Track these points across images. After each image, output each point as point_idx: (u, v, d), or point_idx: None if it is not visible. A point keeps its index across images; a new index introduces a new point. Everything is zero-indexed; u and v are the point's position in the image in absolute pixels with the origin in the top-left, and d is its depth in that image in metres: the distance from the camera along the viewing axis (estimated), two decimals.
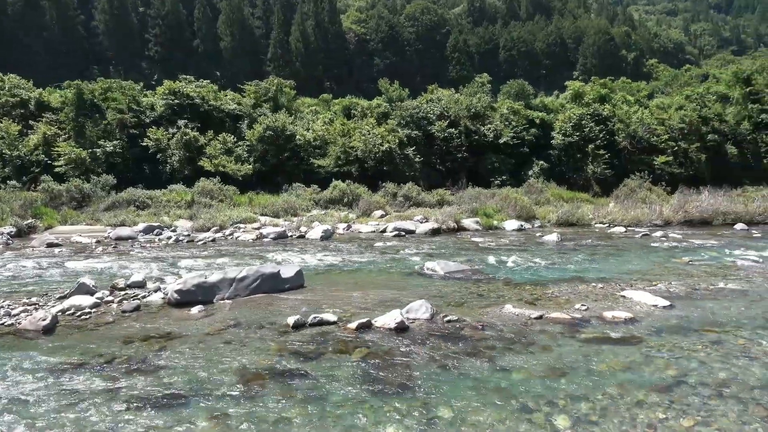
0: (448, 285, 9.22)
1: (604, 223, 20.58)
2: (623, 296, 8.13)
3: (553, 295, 8.27)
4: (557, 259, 11.97)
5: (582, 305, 7.48)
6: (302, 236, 16.98)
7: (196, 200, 22.41)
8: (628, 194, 25.62)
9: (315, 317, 6.72)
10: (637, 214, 20.56)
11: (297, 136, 30.42)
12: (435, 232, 17.67)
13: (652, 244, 14.61)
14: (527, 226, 19.91)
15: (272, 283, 8.58)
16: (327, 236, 16.59)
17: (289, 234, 17.22)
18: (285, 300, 8.09)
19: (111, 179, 24.29)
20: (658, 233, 17.13)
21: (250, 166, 28.89)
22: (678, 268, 10.75)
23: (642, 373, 5.25)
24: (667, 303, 7.61)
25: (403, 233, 17.39)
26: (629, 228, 19.13)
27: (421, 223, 19.15)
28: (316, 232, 16.85)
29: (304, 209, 22.86)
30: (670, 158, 29.98)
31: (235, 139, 30.02)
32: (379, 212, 21.85)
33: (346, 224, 19.02)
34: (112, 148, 27.75)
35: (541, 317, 6.97)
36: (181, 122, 30.46)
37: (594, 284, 9.05)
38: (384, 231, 18.00)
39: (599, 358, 5.58)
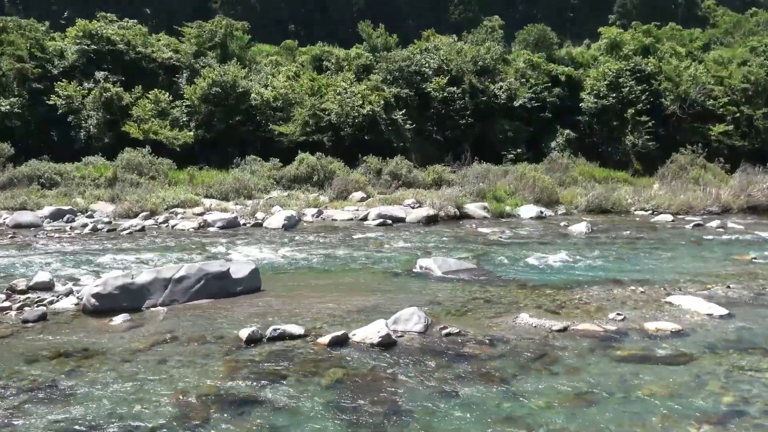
0: (448, 288, 9.27)
1: (646, 210, 20.88)
2: (669, 303, 8.25)
3: (581, 302, 8.36)
4: (587, 256, 12.09)
5: (618, 314, 7.57)
6: (259, 224, 16.94)
7: (119, 177, 22.17)
8: (677, 173, 25.98)
9: (276, 329, 6.71)
10: (688, 199, 20.90)
11: (252, 95, 30.22)
12: (431, 220, 17.76)
13: (707, 237, 14.86)
14: (548, 213, 20.09)
15: (220, 285, 8.57)
16: (291, 225, 16.57)
17: (242, 222, 17.16)
18: (236, 307, 8.06)
19: (7, 148, 23.90)
20: (714, 223, 17.44)
21: (191, 133, 28.67)
22: (739, 268, 10.95)
23: (692, 400, 5.33)
24: (724, 311, 7.74)
25: (390, 221, 17.46)
26: (678, 216, 19.43)
27: (413, 208, 19.22)
28: (277, 219, 16.82)
29: (262, 190, 22.80)
30: (730, 127, 30.40)
31: (170, 98, 29.80)
32: (358, 194, 21.88)
33: (315, 209, 19.02)
34: (8, 107, 27.23)
35: (565, 329, 7.05)
36: (99, 75, 29.99)
37: (633, 287, 9.17)
38: (365, 218, 18.04)
39: (639, 382, 5.66)
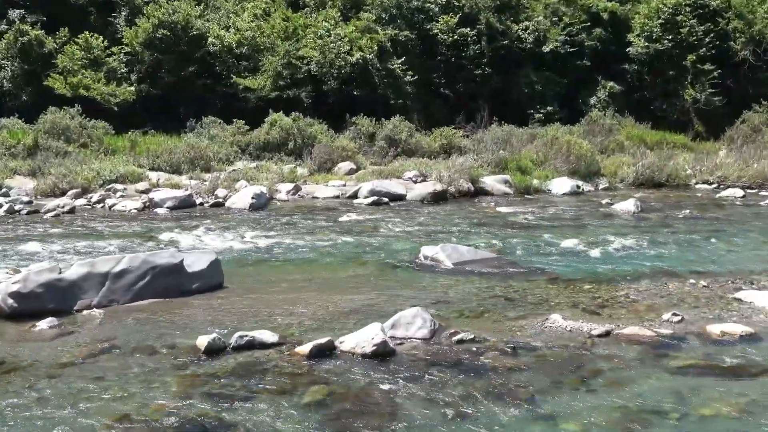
0: (459, 283, 9.33)
1: (709, 183, 20.93)
2: (739, 300, 8.28)
3: (627, 299, 8.40)
4: (635, 241, 12.13)
5: (674, 314, 7.59)
6: (220, 204, 16.95)
7: (42, 145, 22.07)
8: (750, 136, 25.99)
9: (242, 336, 6.70)
10: (764, 169, 20.91)
11: (210, 39, 30.08)
12: (438, 197, 17.80)
13: None
14: (587, 187, 20.13)
15: (171, 282, 8.58)
16: (261, 204, 16.58)
17: (199, 201, 17.16)
18: (193, 308, 8.08)
19: None
20: None
21: (132, 89, 28.55)
22: None
23: (766, 419, 5.36)
24: None
25: (386, 199, 17.49)
26: (750, 191, 19.46)
27: (416, 182, 19.23)
28: (242, 197, 16.82)
29: (223, 160, 22.78)
30: None
31: (105, 44, 29.65)
32: (346, 165, 21.88)
33: (292, 185, 19.03)
34: None
35: (608, 334, 7.07)
36: (14, 14, 29.77)
37: (693, 281, 9.22)
38: (354, 196, 18.06)
39: (700, 398, 5.68)
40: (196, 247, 11.60)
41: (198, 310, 8.00)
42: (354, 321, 7.43)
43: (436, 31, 31.02)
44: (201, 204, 17.09)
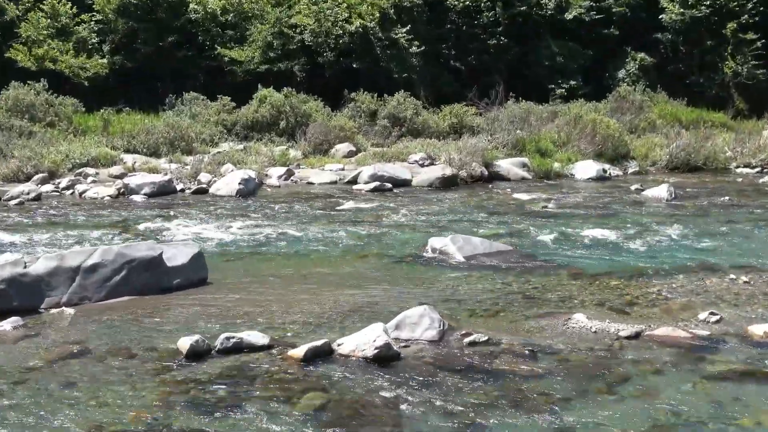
0: (472, 279, 9.35)
1: (752, 167, 20.88)
2: None
3: (659, 297, 8.41)
4: (668, 232, 12.12)
5: (711, 314, 7.59)
6: (203, 191, 16.95)
7: (3, 124, 22.01)
8: None
9: (229, 338, 6.71)
10: None
11: (191, 5, 30.04)
12: (448, 182, 17.80)
13: None
14: (614, 171, 20.10)
15: (149, 277, 8.61)
16: (249, 191, 16.57)
17: (180, 187, 17.15)
18: (174, 307, 8.09)
19: None
20: None
21: (104, 61, 28.52)
22: None
23: None
24: None
25: (389, 185, 17.50)
26: None
27: (423, 166, 19.22)
28: (228, 183, 16.82)
29: (207, 141, 22.76)
30: None
31: (74, 10, 29.60)
32: (344, 147, 21.87)
33: (284, 169, 19.03)
34: None
35: (637, 336, 7.08)
36: None
37: (733, 276, 9.21)
38: (354, 181, 18.05)
39: (740, 408, 5.68)
40: (177, 239, 11.60)
41: (179, 309, 8.01)
42: (354, 321, 7.46)
43: None
44: (182, 190, 17.07)
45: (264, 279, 9.44)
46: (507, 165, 19.38)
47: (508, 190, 17.33)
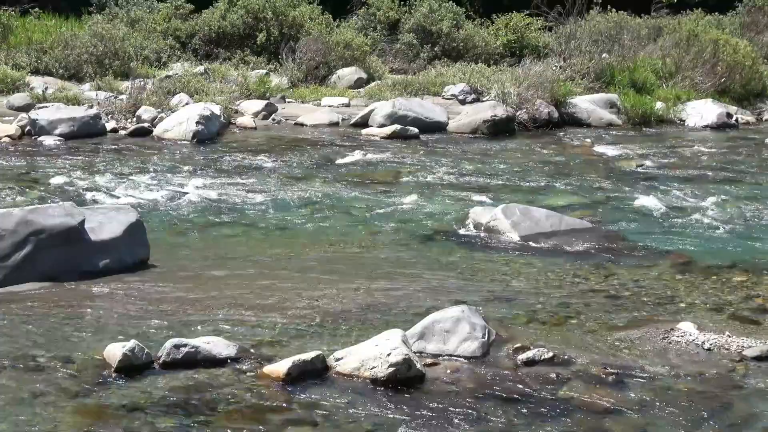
0: (532, 268, 9.32)
1: None
2: None
3: None
4: None
5: None
6: (144, 132, 16.90)
7: None
8: None
9: (179, 346, 6.61)
10: None
11: None
12: (500, 128, 17.67)
13: None
14: (744, 116, 19.92)
15: (65, 255, 8.57)
16: (211, 134, 16.52)
17: (111, 126, 17.10)
18: (99, 299, 8.04)
19: None
20: None
21: None
22: None
23: None
24: None
25: (415, 129, 17.39)
26: None
27: (464, 103, 19.13)
28: (182, 122, 16.72)
29: (151, 61, 22.67)
30: None
31: None
32: (350, 73, 21.84)
33: (263, 103, 18.95)
34: None
35: None
36: None
37: None
38: (364, 123, 17.95)
39: None
40: (106, 202, 11.56)
41: (108, 302, 7.91)
42: (359, 326, 7.36)
43: None
44: (114, 131, 16.95)
45: (231, 262, 9.40)
46: (587, 104, 19.22)
47: (588, 140, 17.23)
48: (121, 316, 7.60)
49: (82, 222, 8.74)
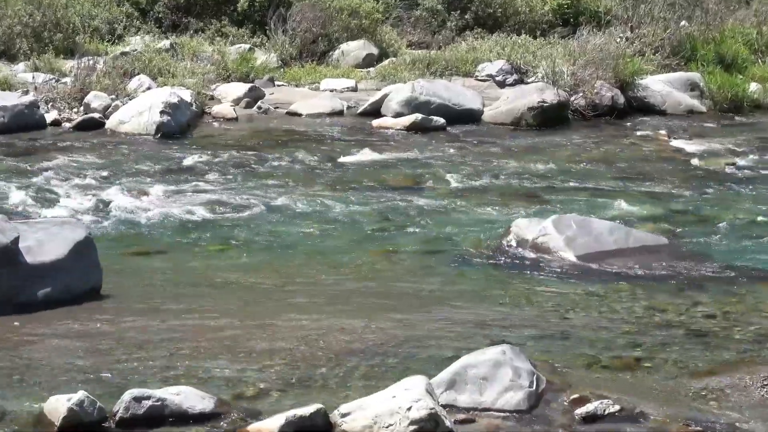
0: (592, 297, 9.28)
1: None
2: None
3: None
4: None
5: None
6: (95, 124, 16.85)
7: None
8: None
9: (140, 399, 6.61)
10: None
11: None
12: (550, 116, 17.62)
13: None
14: None
15: None
16: (180, 126, 16.50)
17: (52, 117, 17.09)
18: (39, 338, 8.03)
19: None
20: None
21: None
22: None
23: None
24: None
25: (441, 120, 17.37)
26: None
27: (503, 85, 19.11)
28: (141, 111, 16.71)
29: (103, 34, 22.62)
30: None
31: None
32: (358, 48, 21.86)
33: (246, 87, 18.92)
34: None
35: None
36: None
37: None
38: (376, 111, 17.94)
39: None
40: (47, 214, 11.58)
41: (49, 342, 7.90)
42: (371, 372, 7.33)
43: None
44: (56, 123, 16.90)
45: (206, 291, 9.40)
46: (661, 86, 19.17)
47: (663, 132, 17.20)
48: (66, 360, 7.56)
49: (16, 240, 8.70)
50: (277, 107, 18.60)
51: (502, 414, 6.80)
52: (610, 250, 10.35)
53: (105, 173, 13.87)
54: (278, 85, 19.84)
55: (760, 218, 11.90)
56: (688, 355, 7.91)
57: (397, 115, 17.52)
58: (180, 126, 16.59)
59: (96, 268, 9.09)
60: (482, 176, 14.01)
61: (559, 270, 10.03)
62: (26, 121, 16.64)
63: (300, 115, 18.21)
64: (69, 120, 17.12)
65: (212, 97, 18.49)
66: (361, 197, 12.72)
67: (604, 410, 6.83)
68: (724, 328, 8.50)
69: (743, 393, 7.22)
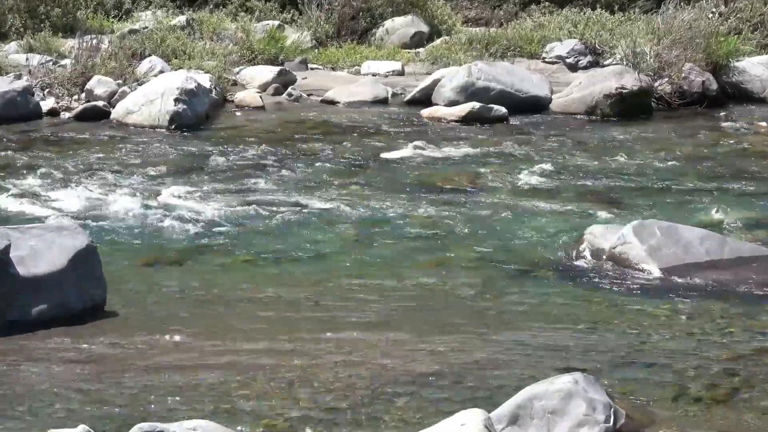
0: (679, 317, 9.28)
1: None
2: None
3: None
4: None
5: None
6: (99, 114, 16.94)
7: None
8: None
9: None
10: None
11: None
12: (629, 105, 17.59)
13: None
14: None
15: None
16: (197, 116, 16.56)
17: (49, 105, 17.18)
18: (34, 361, 8.04)
19: None
20: None
21: None
22: None
23: None
24: None
25: (503, 110, 17.37)
26: None
27: (575, 68, 19.08)
28: (152, 99, 16.76)
29: (108, 8, 22.77)
30: None
31: None
32: (404, 25, 21.87)
33: (274, 71, 18.95)
34: None
35: None
36: None
37: None
38: (426, 99, 17.97)
39: None
40: (44, 218, 11.62)
41: (46, 368, 7.92)
42: (420, 404, 7.30)
43: None
44: (53, 112, 17.02)
45: (225, 308, 9.41)
46: (761, 70, 19.13)
47: (763, 124, 17.14)
48: (64, 390, 7.59)
49: (6, 249, 8.72)
50: (311, 94, 18.65)
51: None
52: (701, 262, 10.25)
53: (110, 171, 13.92)
54: (312, 69, 19.91)
55: None
56: None
57: (451, 103, 17.53)
58: (197, 116, 16.63)
59: (99, 280, 9.09)
60: (550, 175, 13.98)
61: (640, 285, 9.97)
62: (19, 110, 16.73)
63: (337, 103, 18.27)
64: (68, 109, 17.20)
65: (235, 83, 18.56)
66: (408, 200, 12.70)
67: None
68: None
69: None
